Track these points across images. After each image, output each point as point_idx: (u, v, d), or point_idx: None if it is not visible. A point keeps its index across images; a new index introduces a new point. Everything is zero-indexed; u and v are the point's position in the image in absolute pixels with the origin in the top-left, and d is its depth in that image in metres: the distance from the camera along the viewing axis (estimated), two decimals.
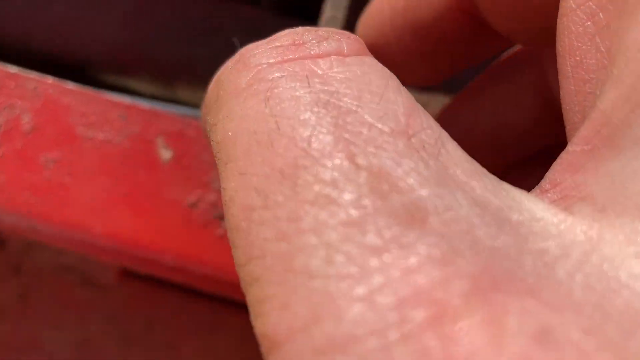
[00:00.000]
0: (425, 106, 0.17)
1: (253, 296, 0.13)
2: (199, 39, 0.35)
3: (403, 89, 0.15)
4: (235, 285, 0.31)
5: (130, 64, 0.35)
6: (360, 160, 0.12)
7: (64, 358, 0.55)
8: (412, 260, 0.11)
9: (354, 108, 0.13)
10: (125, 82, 0.36)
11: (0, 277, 0.55)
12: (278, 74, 0.15)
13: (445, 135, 0.14)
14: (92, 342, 0.55)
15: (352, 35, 0.16)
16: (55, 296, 0.56)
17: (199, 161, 0.32)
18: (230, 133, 0.14)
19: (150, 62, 0.35)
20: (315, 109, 0.13)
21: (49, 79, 0.32)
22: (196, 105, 0.36)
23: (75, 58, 0.36)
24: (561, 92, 0.15)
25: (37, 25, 0.35)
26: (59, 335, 0.55)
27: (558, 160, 0.14)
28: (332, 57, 0.15)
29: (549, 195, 0.13)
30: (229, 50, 0.34)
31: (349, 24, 0.32)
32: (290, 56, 0.15)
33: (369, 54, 0.16)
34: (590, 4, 0.14)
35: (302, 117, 0.13)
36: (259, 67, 0.15)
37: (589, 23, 0.14)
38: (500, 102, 0.26)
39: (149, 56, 0.35)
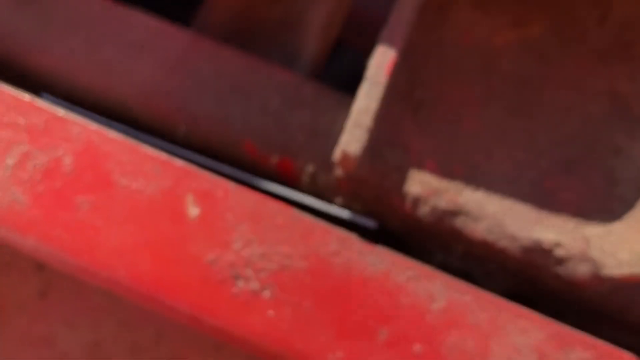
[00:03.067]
0: None
1: None
2: (233, 96, 0.36)
3: None
4: (246, 341, 0.33)
5: (168, 111, 0.37)
6: None
7: (76, 357, 0.57)
8: None
9: None
10: (161, 128, 0.38)
11: (23, 273, 0.58)
12: None
13: None
14: (103, 345, 0.57)
15: None
16: (74, 297, 0.58)
17: (223, 221, 0.33)
18: None
19: (186, 113, 0.36)
20: None
21: (93, 126, 0.34)
22: (227, 160, 0.37)
23: (117, 99, 0.37)
24: None
25: (87, 65, 0.37)
26: (73, 335, 0.58)
27: None
28: None
29: None
30: (262, 112, 0.35)
31: (380, 116, 0.33)
32: None
33: None
34: None
35: None
36: None
37: None
38: None
39: (185, 107, 0.36)
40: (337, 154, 0.31)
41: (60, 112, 0.33)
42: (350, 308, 0.33)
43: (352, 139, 0.31)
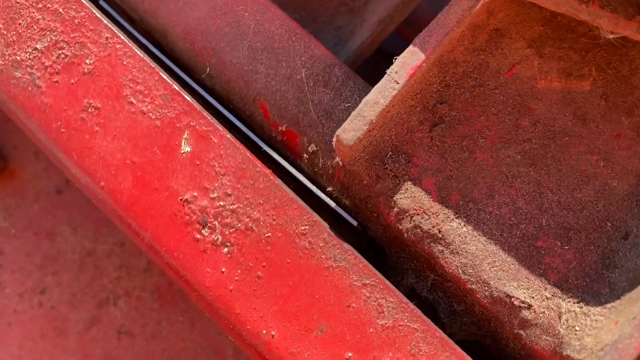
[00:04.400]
0: None
1: None
2: (264, 55, 0.36)
3: None
4: (193, 288, 0.32)
5: (199, 50, 0.37)
6: None
7: (68, 259, 0.59)
8: None
9: None
10: (189, 63, 0.38)
11: (48, 166, 0.60)
12: None
13: None
14: (95, 256, 0.59)
15: None
16: (85, 203, 0.60)
17: (209, 167, 0.33)
18: None
19: (215, 57, 0.37)
20: None
21: (122, 38, 0.34)
22: (238, 114, 0.37)
23: (161, 24, 0.38)
24: None
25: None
26: (73, 238, 0.60)
27: None
28: None
29: None
30: (285, 79, 0.35)
31: (393, 118, 0.32)
32: None
33: None
34: None
35: None
36: None
37: None
38: None
39: (216, 51, 0.37)
40: (334, 138, 0.31)
41: (98, 13, 0.34)
42: (299, 292, 0.32)
43: (350, 127, 0.30)
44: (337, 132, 0.30)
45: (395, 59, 0.31)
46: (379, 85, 0.30)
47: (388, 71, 0.30)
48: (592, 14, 0.29)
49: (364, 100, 0.30)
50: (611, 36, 0.30)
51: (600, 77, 0.35)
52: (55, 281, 0.60)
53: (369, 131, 0.31)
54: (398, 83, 0.30)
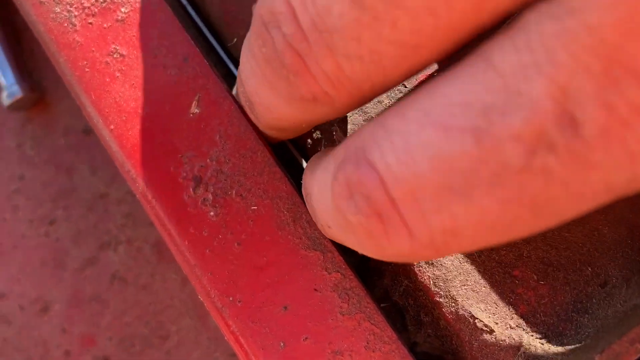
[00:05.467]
0: None
1: None
2: None
3: None
4: (173, 242, 0.34)
5: (230, 19, 0.39)
6: None
7: (81, 197, 0.61)
8: None
9: None
10: (220, 31, 0.39)
11: (77, 104, 0.62)
12: None
13: None
14: (106, 199, 0.60)
15: None
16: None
17: (213, 132, 0.34)
18: None
19: (243, 29, 0.38)
20: None
21: None
22: None
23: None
24: None
25: None
26: (90, 180, 0.62)
27: None
28: None
29: None
30: None
31: None
32: None
33: None
34: None
35: None
36: None
37: None
38: None
39: (246, 23, 0.38)
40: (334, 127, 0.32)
41: None
42: (271, 269, 0.33)
43: (350, 120, 0.31)
44: (334, 121, 0.31)
45: None
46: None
47: None
48: None
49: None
50: None
51: None
52: (65, 215, 0.62)
53: None
54: (406, 87, 0.31)
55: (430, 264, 0.33)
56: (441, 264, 0.33)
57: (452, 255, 0.33)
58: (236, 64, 0.39)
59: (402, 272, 0.35)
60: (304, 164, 0.38)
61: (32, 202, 0.62)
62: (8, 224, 0.61)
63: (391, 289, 0.36)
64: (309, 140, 0.37)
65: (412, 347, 0.37)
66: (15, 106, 0.61)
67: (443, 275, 0.33)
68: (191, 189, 0.34)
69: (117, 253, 0.60)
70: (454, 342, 0.34)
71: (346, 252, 0.34)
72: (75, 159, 0.62)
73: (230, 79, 0.40)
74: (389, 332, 0.32)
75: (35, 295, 0.61)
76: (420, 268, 0.33)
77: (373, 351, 0.32)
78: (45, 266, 0.61)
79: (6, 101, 0.60)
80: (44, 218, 0.62)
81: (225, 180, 0.34)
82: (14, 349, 0.60)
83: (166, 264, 0.60)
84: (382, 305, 0.38)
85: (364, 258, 0.39)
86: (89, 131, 0.65)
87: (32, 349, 0.60)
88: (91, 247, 0.61)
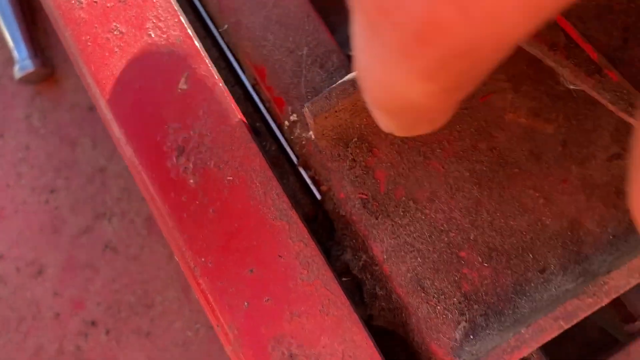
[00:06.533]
0: None
1: None
2: (277, 27, 0.40)
3: None
4: (156, 207, 0.37)
5: (224, 7, 0.42)
6: None
7: (84, 164, 0.65)
8: None
9: None
10: (214, 18, 0.43)
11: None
12: None
13: None
14: (107, 172, 0.64)
15: None
16: None
17: (197, 108, 0.38)
18: None
19: (235, 17, 0.41)
20: None
21: None
22: (242, 71, 0.42)
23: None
24: None
25: None
26: (92, 152, 0.65)
27: None
28: None
29: None
30: (288, 52, 0.38)
31: (364, 108, 0.35)
32: None
33: None
34: None
35: None
36: None
37: None
38: None
39: (237, 13, 0.41)
40: (305, 108, 0.35)
41: None
42: (241, 235, 0.37)
43: (317, 102, 0.34)
44: (306, 104, 0.34)
45: None
46: (353, 75, 0.34)
47: None
48: (557, 61, 0.32)
49: (337, 84, 0.34)
50: (571, 87, 0.33)
51: (565, 125, 0.37)
52: (65, 185, 0.66)
53: (335, 112, 0.35)
54: None
55: (384, 240, 0.36)
56: (395, 240, 0.36)
57: (406, 232, 0.36)
58: (227, 48, 0.42)
59: (361, 248, 0.38)
60: (282, 141, 0.41)
61: (36, 171, 0.65)
62: (11, 190, 0.65)
63: (351, 263, 0.40)
64: (287, 123, 0.40)
65: (368, 321, 0.40)
66: (26, 80, 0.65)
67: (396, 251, 0.36)
68: (174, 158, 0.38)
69: (111, 224, 0.64)
70: (403, 314, 0.37)
71: (308, 221, 0.37)
72: (79, 133, 0.66)
73: (221, 62, 0.44)
74: (342, 299, 0.36)
75: (32, 259, 0.64)
76: (376, 243, 0.37)
77: (327, 315, 0.35)
78: (43, 232, 0.64)
79: (18, 74, 0.64)
80: (46, 186, 0.65)
81: (205, 151, 0.37)
82: (8, 308, 0.64)
83: (155, 238, 0.63)
84: (343, 279, 0.41)
85: (329, 234, 0.42)
86: (93, 108, 0.69)
87: (24, 309, 0.63)
88: (87, 216, 0.64)
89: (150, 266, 0.63)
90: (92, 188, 0.65)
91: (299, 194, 0.43)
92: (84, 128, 0.67)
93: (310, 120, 0.35)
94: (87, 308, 0.62)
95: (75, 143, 0.66)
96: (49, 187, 0.66)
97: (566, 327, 0.31)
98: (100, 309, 0.62)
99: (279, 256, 0.36)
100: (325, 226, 0.43)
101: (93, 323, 0.62)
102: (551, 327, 0.31)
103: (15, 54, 0.64)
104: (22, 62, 0.64)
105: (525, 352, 0.31)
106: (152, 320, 0.62)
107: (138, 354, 0.61)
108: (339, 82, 0.34)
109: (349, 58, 0.42)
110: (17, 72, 0.64)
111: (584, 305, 0.31)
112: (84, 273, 0.63)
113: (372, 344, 0.35)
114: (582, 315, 0.31)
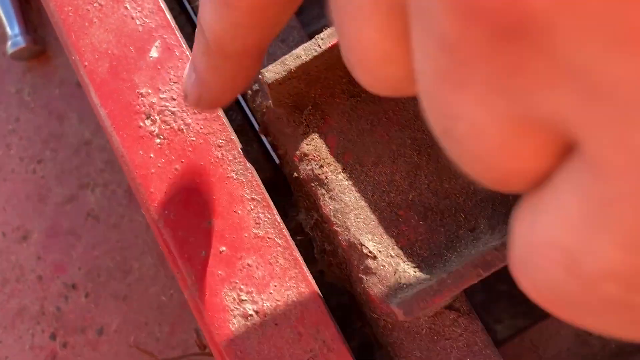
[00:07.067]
0: None
1: None
2: None
3: None
4: (127, 167, 0.40)
5: None
6: None
7: (70, 146, 0.68)
8: None
9: None
10: None
11: None
12: None
13: None
14: (92, 145, 0.67)
15: None
16: None
17: (167, 74, 0.41)
18: None
19: None
20: None
21: None
22: None
23: None
24: None
25: None
26: (79, 127, 0.69)
27: None
28: None
29: None
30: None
31: (317, 79, 0.39)
32: None
33: None
34: None
35: None
36: None
37: None
38: None
39: None
40: (259, 75, 0.39)
41: None
42: (201, 190, 0.40)
43: (272, 69, 0.38)
44: (262, 70, 0.38)
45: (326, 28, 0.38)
46: (305, 44, 0.38)
47: (317, 36, 0.38)
48: None
49: (291, 52, 0.38)
50: None
51: None
52: (52, 156, 0.69)
53: (289, 79, 0.38)
54: (320, 47, 0.38)
55: (332, 198, 0.40)
56: (341, 200, 0.40)
57: (351, 192, 0.40)
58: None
59: (313, 207, 0.42)
60: (246, 109, 0.45)
61: (24, 142, 0.69)
62: (0, 159, 0.69)
63: (304, 222, 0.43)
64: (249, 92, 0.44)
65: (319, 277, 0.44)
66: (18, 56, 0.69)
67: (341, 208, 0.40)
68: (143, 121, 0.41)
69: (94, 194, 0.68)
70: (347, 267, 0.41)
71: (259, 169, 0.41)
72: (67, 107, 0.70)
73: (193, 36, 0.47)
74: (290, 251, 0.39)
75: (17, 224, 0.68)
76: (325, 202, 0.40)
77: (275, 264, 0.39)
78: (30, 199, 0.68)
79: (10, 49, 0.68)
80: (33, 157, 0.69)
81: (171, 114, 0.41)
82: None
83: (134, 208, 0.67)
84: (297, 237, 0.44)
85: (282, 191, 0.46)
86: (80, 85, 0.72)
87: (8, 272, 0.67)
88: (72, 186, 0.68)
89: (129, 234, 0.67)
90: (77, 160, 0.69)
91: (261, 160, 0.47)
92: (71, 103, 0.70)
93: (265, 86, 0.39)
94: (68, 272, 0.66)
95: (63, 117, 0.70)
96: (37, 158, 0.69)
97: (484, 274, 0.35)
98: (81, 273, 0.66)
99: (235, 211, 0.40)
100: (284, 190, 0.47)
101: (73, 286, 0.66)
102: (470, 274, 0.35)
103: (8, 30, 0.68)
104: (15, 39, 0.68)
105: (447, 296, 0.35)
106: (129, 285, 0.66)
107: (115, 316, 0.64)
108: (293, 51, 0.38)
109: (308, 36, 0.46)
110: (10, 47, 0.68)
111: (501, 256, 0.35)
112: (66, 239, 0.67)
113: (315, 290, 0.39)
114: (499, 265, 0.35)
